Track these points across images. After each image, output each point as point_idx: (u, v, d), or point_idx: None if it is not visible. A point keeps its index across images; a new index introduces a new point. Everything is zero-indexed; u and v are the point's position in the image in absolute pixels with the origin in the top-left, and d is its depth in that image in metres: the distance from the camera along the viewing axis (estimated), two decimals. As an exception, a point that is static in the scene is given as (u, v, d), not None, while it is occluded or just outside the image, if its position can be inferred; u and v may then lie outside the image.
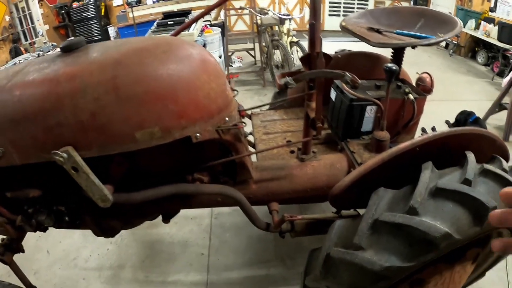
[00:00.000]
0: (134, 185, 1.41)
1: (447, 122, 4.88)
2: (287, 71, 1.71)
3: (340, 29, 2.35)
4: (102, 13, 8.72)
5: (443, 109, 5.15)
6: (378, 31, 2.16)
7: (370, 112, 1.90)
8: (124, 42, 1.40)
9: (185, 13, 4.86)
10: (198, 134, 1.32)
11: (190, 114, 1.29)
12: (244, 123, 1.54)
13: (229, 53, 5.90)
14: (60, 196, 1.52)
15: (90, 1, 8.49)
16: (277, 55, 5.08)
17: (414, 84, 2.28)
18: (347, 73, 1.49)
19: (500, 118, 4.90)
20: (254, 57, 5.43)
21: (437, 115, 5.14)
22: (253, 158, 1.88)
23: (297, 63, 4.51)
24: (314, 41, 1.53)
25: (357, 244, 1.27)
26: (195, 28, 4.54)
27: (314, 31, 1.51)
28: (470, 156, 1.36)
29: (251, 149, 2.15)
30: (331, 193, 1.53)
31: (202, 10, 5.79)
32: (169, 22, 4.60)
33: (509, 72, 5.95)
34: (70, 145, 1.18)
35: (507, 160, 1.53)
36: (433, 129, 4.48)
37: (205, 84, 1.32)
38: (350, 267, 1.27)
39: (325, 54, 1.56)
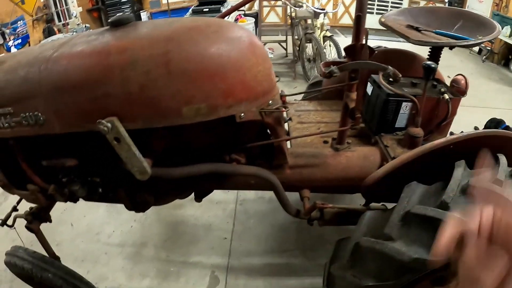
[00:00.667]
0: (173, 161, 1.43)
1: (476, 128, 4.77)
2: (331, 61, 1.71)
3: (380, 25, 2.33)
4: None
5: (473, 116, 5.04)
6: (417, 29, 2.14)
7: (405, 108, 1.89)
8: (174, 20, 1.43)
9: (221, 0, 4.87)
10: (242, 114, 1.34)
11: (237, 94, 1.30)
12: (286, 107, 1.56)
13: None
14: (96, 168, 1.55)
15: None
16: (309, 49, 5.06)
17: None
18: (390, 67, 1.48)
19: (531, 128, 4.78)
20: (285, 49, 5.40)
21: (466, 121, 5.04)
22: (287, 144, 1.89)
23: (329, 58, 4.49)
24: (360, 33, 1.53)
25: (387, 234, 1.28)
26: (229, 17, 4.56)
27: (360, 23, 1.52)
28: (502, 159, 1.35)
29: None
30: (364, 184, 1.54)
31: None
32: (204, 9, 4.63)
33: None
34: (115, 115, 1.20)
35: None
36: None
37: (253, 66, 1.33)
38: (378, 256, 1.28)
39: (369, 47, 1.56)
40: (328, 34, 4.75)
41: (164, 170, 1.38)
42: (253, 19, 5.31)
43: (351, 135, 2.16)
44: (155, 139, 1.43)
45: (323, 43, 4.77)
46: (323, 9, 4.70)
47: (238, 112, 1.33)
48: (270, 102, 1.43)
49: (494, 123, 4.47)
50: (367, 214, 1.50)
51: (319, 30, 4.79)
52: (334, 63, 1.55)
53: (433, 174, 1.38)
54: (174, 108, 1.24)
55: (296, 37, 5.45)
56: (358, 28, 1.53)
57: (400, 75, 1.50)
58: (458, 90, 2.19)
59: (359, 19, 1.50)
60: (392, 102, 1.85)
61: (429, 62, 1.66)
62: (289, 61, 5.63)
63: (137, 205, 1.71)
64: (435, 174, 1.37)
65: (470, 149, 1.37)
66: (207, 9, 4.55)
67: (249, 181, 1.71)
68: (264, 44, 6.03)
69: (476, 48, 7.22)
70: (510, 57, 6.99)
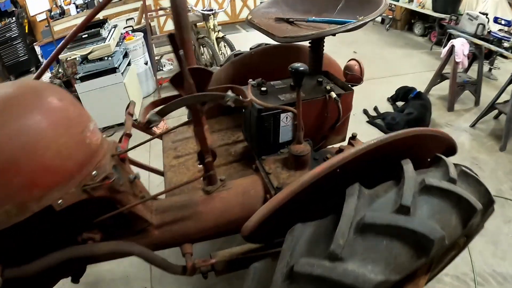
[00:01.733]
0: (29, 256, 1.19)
1: (388, 99, 4.64)
2: (160, 98, 1.27)
3: (247, 24, 1.93)
4: (26, 31, 7.87)
5: (385, 86, 4.90)
6: (288, 21, 1.76)
7: (286, 120, 1.51)
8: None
9: (100, 23, 4.23)
10: (60, 201, 1.07)
11: (41, 182, 1.05)
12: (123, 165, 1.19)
13: (157, 57, 5.37)
14: None
15: (12, 19, 7.60)
16: (207, 54, 4.61)
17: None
18: (230, 92, 1.09)
19: (442, 88, 4.72)
20: (185, 57, 4.93)
21: (379, 93, 4.90)
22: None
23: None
24: (185, 56, 1.11)
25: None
26: (111, 39, 3.97)
27: (184, 44, 1.10)
28: (408, 169, 1.06)
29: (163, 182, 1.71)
30: (242, 234, 1.20)
31: (126, 14, 5.09)
32: (83, 36, 4.01)
33: (447, 41, 5.80)
34: None
35: (454, 152, 1.35)
36: (375, 109, 4.26)
37: (52, 143, 1.05)
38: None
39: (203, 69, 1.14)
40: (220, 34, 4.34)
41: (17, 271, 1.16)
42: (142, 34, 4.75)
43: (234, 160, 1.78)
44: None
45: (218, 45, 4.36)
46: (211, 9, 4.27)
47: (53, 201, 1.06)
48: (95, 172, 1.13)
49: (405, 90, 4.34)
50: (253, 267, 1.16)
51: (213, 32, 4.36)
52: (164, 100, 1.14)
53: (329, 197, 1.09)
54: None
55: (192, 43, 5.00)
56: (176, 48, 1.08)
57: (247, 98, 1.13)
58: (353, 78, 1.86)
59: (173, 40, 1.06)
60: (267, 117, 1.46)
61: (296, 65, 1.26)
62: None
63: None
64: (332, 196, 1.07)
65: (370, 161, 1.09)
66: (86, 35, 3.93)
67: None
68: (161, 57, 5.52)
69: (379, 18, 7.21)
70: (412, 21, 7.03)
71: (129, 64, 4.40)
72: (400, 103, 4.37)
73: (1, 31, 7.65)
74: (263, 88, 1.53)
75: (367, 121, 4.03)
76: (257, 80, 1.59)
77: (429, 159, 1.32)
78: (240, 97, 1.16)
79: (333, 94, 1.53)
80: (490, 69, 5.15)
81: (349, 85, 1.67)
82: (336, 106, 1.54)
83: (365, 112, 4.16)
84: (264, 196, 1.42)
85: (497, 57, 5.17)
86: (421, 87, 4.59)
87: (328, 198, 1.09)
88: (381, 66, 5.54)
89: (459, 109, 4.39)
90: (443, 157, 1.22)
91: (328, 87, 1.56)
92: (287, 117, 1.49)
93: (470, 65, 4.51)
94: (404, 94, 4.24)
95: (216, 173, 1.50)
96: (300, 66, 1.22)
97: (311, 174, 1.06)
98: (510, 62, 5.64)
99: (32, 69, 7.46)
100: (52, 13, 7.28)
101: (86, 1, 7.18)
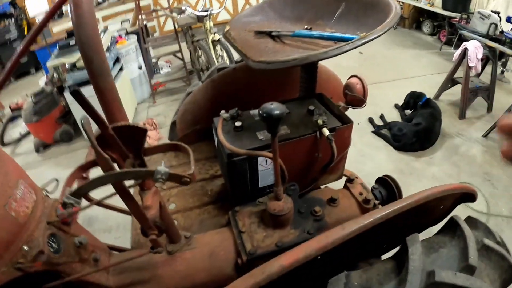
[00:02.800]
0: None
1: (396, 106, 4.28)
2: (88, 162, 0.94)
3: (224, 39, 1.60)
4: (26, 32, 7.63)
5: (392, 91, 4.54)
6: (270, 34, 1.42)
7: (265, 163, 1.20)
8: None
9: None
10: None
11: None
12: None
13: (154, 60, 5.06)
14: None
15: (11, 21, 7.37)
16: (204, 57, 4.29)
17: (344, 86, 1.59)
18: (162, 166, 0.78)
19: (453, 92, 4.35)
20: (181, 59, 4.59)
21: (386, 98, 4.52)
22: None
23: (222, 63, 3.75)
24: (108, 111, 0.80)
25: None
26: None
27: (101, 95, 0.78)
28: (465, 227, 0.99)
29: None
30: None
31: (123, 15, 4.72)
32: (71, 43, 3.70)
33: (457, 41, 5.40)
34: None
35: (473, 199, 1.16)
36: (382, 117, 3.90)
37: None
38: None
39: (133, 127, 0.82)
40: (217, 37, 4.00)
41: None
42: (135, 37, 4.43)
43: (210, 201, 1.47)
44: None
45: (214, 49, 4.02)
46: (207, 10, 3.92)
47: None
48: (26, 248, 0.91)
49: (414, 97, 4.00)
50: None
51: (210, 34, 4.02)
52: (84, 167, 0.83)
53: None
54: None
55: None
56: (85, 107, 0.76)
57: (189, 177, 0.82)
58: (354, 100, 1.53)
59: (78, 94, 0.73)
60: (240, 163, 1.15)
61: (269, 106, 0.93)
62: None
63: None
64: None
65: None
66: (73, 42, 3.64)
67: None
68: (158, 59, 5.21)
69: (386, 16, 6.80)
70: (421, 19, 6.61)
71: (121, 69, 4.10)
72: (408, 111, 4.02)
73: (1, 33, 7.46)
74: (237, 123, 1.22)
75: (372, 131, 3.70)
76: (231, 111, 1.28)
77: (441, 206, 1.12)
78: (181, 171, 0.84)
79: (326, 132, 1.21)
80: (502, 72, 4.75)
81: (349, 112, 1.34)
82: (329, 145, 1.22)
83: (371, 121, 3.83)
84: (235, 260, 1.13)
85: (510, 58, 4.78)
86: (431, 91, 4.23)
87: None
88: (388, 68, 5.17)
89: (471, 117, 4.02)
90: (462, 224, 1.00)
91: (320, 121, 1.23)
92: (266, 160, 1.18)
93: (482, 69, 4.13)
94: (413, 101, 3.88)
95: (184, 222, 1.22)
96: (274, 108, 0.89)
97: (280, 264, 0.76)
98: (525, 63, 5.23)
99: (31, 70, 7.23)
100: (52, 13, 6.96)
101: (85, 1, 6.86)
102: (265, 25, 1.52)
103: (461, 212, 1.10)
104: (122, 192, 0.81)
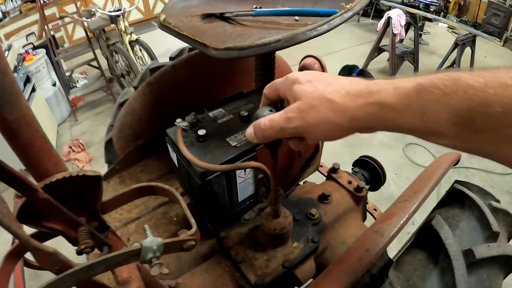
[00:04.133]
0: None
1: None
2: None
3: (160, 29, 1.32)
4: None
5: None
6: (223, 17, 1.16)
7: (244, 173, 0.98)
8: None
9: None
10: None
11: None
12: None
13: (68, 73, 4.50)
14: None
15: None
16: (123, 61, 3.87)
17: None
18: (149, 237, 0.52)
19: (380, 61, 4.46)
20: (98, 67, 4.10)
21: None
22: None
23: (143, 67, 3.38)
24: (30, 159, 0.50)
25: None
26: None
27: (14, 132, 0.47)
28: (474, 196, 1.00)
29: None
30: None
31: (27, 29, 4.05)
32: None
33: (373, 10, 5.55)
34: None
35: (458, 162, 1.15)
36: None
37: None
38: None
39: (83, 177, 0.53)
40: (134, 37, 3.62)
41: None
42: (44, 50, 3.85)
43: (178, 229, 1.21)
44: None
45: (132, 50, 3.64)
46: (119, 9, 3.52)
47: None
48: None
49: (347, 69, 4.03)
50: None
51: (126, 35, 3.62)
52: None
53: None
54: None
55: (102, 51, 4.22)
56: (26, 149, 0.48)
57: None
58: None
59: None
60: (216, 180, 0.91)
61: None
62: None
63: None
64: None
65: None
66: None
67: None
68: (72, 71, 4.66)
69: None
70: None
71: (33, 90, 3.54)
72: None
73: None
74: (200, 132, 0.96)
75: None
76: (188, 118, 1.01)
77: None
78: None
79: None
80: (420, 35, 4.99)
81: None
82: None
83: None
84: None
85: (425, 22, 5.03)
86: (358, 62, 4.28)
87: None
88: (313, 45, 5.13)
89: (401, 80, 4.15)
90: (469, 194, 1.01)
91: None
92: (245, 169, 0.96)
93: (405, 34, 4.28)
94: (347, 74, 3.89)
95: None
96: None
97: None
98: (435, 25, 5.54)
99: None
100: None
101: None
102: (208, 8, 1.26)
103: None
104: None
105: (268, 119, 0.56)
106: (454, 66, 3.52)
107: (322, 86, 0.51)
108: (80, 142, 3.59)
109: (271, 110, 0.60)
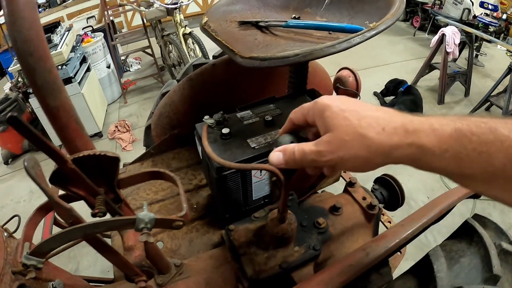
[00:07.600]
0: None
1: (375, 94, 4.21)
2: (45, 203, 0.74)
3: (202, 32, 1.41)
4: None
5: (369, 78, 4.46)
6: (257, 25, 1.25)
7: (259, 174, 1.05)
8: None
9: (51, 27, 3.61)
10: None
11: None
12: None
13: (123, 57, 4.78)
14: None
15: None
16: (175, 52, 4.06)
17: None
18: (145, 211, 0.62)
19: (431, 78, 4.32)
20: (152, 55, 4.34)
21: (363, 86, 4.45)
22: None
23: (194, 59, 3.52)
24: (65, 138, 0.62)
25: None
26: (63, 45, 3.37)
27: (52, 116, 0.58)
28: (483, 233, 0.93)
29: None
30: None
31: (88, 12, 4.45)
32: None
33: (430, 25, 5.38)
34: None
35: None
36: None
37: None
38: None
39: (104, 156, 0.63)
40: (188, 30, 3.78)
41: None
42: (102, 34, 4.14)
43: (196, 217, 1.30)
44: None
45: (185, 42, 3.81)
46: (176, 2, 3.70)
47: None
48: None
49: (395, 83, 3.94)
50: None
51: (180, 27, 3.80)
52: (45, 207, 0.65)
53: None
54: None
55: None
56: (62, 130, 0.60)
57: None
58: (346, 94, 1.39)
59: (16, 123, 0.54)
60: (231, 176, 0.99)
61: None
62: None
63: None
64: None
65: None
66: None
67: None
68: (127, 56, 4.94)
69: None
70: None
71: (88, 69, 3.82)
72: (388, 98, 3.95)
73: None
74: (224, 130, 1.05)
75: (354, 121, 3.60)
76: (215, 116, 1.10)
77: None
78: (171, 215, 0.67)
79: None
80: (476, 56, 4.77)
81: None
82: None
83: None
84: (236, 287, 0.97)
85: (483, 42, 4.81)
86: (408, 77, 4.18)
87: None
88: (363, 55, 5.09)
89: (449, 101, 4.01)
90: (479, 230, 0.97)
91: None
92: (261, 170, 1.03)
93: (459, 54, 4.12)
94: (394, 88, 3.82)
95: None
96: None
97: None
98: (494, 47, 5.28)
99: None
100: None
101: (48, 0, 6.43)
102: (248, 15, 1.34)
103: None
104: (96, 244, 0.64)
105: (298, 150, 0.55)
106: (506, 92, 3.36)
107: (356, 118, 0.49)
108: (126, 123, 3.82)
109: (292, 142, 0.59)
